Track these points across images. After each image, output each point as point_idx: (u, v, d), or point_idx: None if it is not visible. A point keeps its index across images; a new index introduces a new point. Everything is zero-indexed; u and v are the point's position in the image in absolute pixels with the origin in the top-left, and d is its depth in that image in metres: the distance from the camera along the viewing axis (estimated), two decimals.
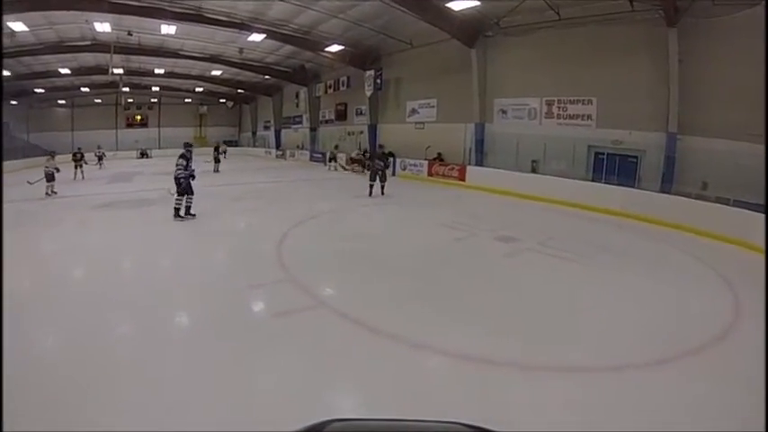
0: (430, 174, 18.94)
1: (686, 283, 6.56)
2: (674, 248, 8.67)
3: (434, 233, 9.44)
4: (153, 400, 3.37)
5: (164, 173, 21.44)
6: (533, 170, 15.42)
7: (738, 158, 10.06)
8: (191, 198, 10.21)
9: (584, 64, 13.81)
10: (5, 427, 2.47)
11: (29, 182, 14.15)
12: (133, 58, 25.30)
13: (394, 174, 19.44)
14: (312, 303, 5.38)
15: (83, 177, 19.36)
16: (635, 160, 13.00)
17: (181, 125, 42.22)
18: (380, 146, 16.11)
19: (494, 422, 0.83)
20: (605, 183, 12.99)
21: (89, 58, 24.87)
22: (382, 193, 13.74)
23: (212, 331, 4.65)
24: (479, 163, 17.48)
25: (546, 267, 7.17)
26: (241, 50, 23.75)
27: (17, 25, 16.14)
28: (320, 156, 27.71)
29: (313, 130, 31.22)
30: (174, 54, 24.72)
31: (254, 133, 43.03)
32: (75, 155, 20.04)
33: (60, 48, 21.74)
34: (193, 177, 10.06)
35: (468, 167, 17.38)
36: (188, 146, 10.48)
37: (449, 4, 13.83)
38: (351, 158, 23.44)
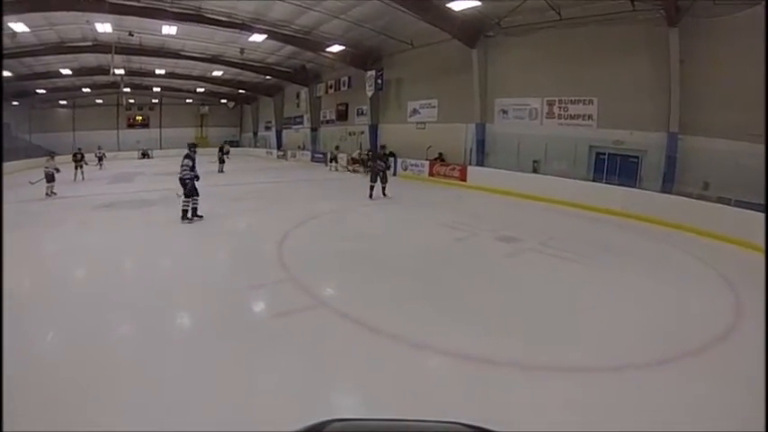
0: (431, 174, 18.93)
1: (687, 283, 6.55)
2: (675, 248, 8.66)
3: (435, 233, 9.43)
4: (153, 400, 3.37)
5: (165, 173, 21.54)
6: (534, 170, 15.41)
7: (739, 158, 10.04)
8: (196, 199, 10.09)
9: (585, 64, 13.80)
10: (5, 427, 2.47)
11: (30, 182, 14.19)
12: (134, 58, 25.34)
13: (395, 174, 19.44)
14: (313, 303, 5.38)
15: (83, 178, 19.34)
16: (636, 160, 12.98)
17: (182, 125, 42.29)
18: (383, 146, 16.07)
19: (494, 422, 0.83)
20: (606, 183, 12.98)
21: (90, 59, 24.90)
22: (384, 195, 13.64)
23: (213, 331, 4.65)
24: (480, 163, 17.47)
25: (547, 267, 7.16)
26: (242, 51, 23.76)
27: (18, 26, 16.17)
28: (321, 156, 27.73)
29: (314, 130, 31.24)
30: (175, 54, 24.75)
31: (255, 134, 43.05)
32: (75, 155, 19.98)
33: (61, 48, 21.76)
34: (197, 178, 9.95)
35: (469, 167, 17.38)
36: (193, 146, 10.42)
37: (449, 5, 13.83)
38: (352, 159, 23.45)
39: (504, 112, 16.81)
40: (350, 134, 26.97)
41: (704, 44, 10.91)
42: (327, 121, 29.90)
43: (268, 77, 31.42)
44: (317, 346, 4.32)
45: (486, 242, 8.75)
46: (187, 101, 41.99)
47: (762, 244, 7.59)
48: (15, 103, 31.10)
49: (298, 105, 33.00)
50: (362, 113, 25.37)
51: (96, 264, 7.14)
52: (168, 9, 16.72)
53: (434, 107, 20.26)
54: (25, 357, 3.84)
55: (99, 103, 37.92)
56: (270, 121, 38.66)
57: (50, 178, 14.12)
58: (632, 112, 12.65)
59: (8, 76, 24.46)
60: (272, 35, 19.64)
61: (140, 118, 41.68)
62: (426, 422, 0.81)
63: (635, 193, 11.86)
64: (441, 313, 5.13)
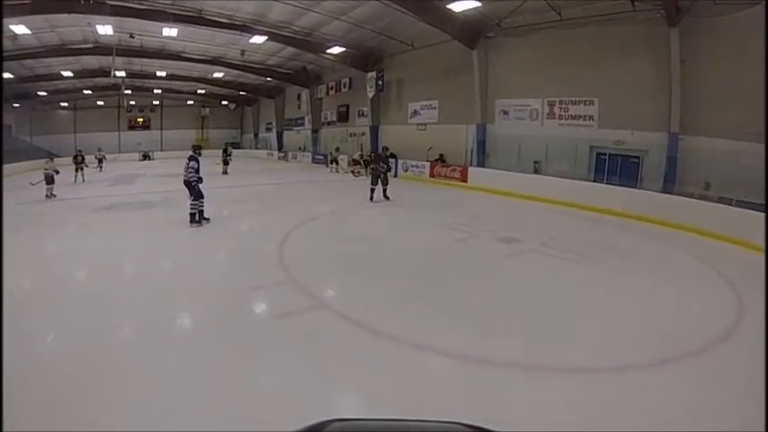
0: (432, 175, 18.94)
1: (688, 283, 6.54)
2: (677, 249, 8.65)
3: (436, 234, 9.42)
4: (154, 401, 3.37)
5: (166, 174, 21.58)
6: (535, 171, 15.41)
7: (740, 158, 10.03)
8: (203, 202, 9.91)
9: (585, 64, 13.80)
10: (5, 427, 2.47)
11: (31, 183, 14.23)
12: (135, 60, 25.43)
13: (396, 175, 19.42)
14: (313, 305, 5.37)
15: (83, 180, 19.32)
16: (637, 160, 12.98)
17: (183, 127, 42.38)
18: (385, 148, 16.03)
19: (495, 423, 0.83)
20: (607, 183, 12.96)
21: (91, 61, 24.97)
22: (385, 197, 13.49)
23: (214, 332, 4.65)
24: (481, 164, 17.48)
25: (548, 268, 7.15)
26: (243, 52, 23.80)
27: (19, 28, 16.23)
28: (322, 157, 27.74)
29: (315, 131, 31.26)
30: (176, 56, 24.79)
31: (256, 135, 43.08)
32: (75, 157, 19.96)
33: (62, 50, 21.81)
34: (201, 180, 9.79)
35: (470, 169, 17.37)
36: (198, 149, 10.23)
37: (450, 6, 13.84)
38: (353, 160, 23.45)
39: (505, 112, 16.82)
40: (351, 135, 26.99)
41: (705, 44, 10.91)
42: (328, 123, 29.92)
43: (269, 79, 31.45)
44: (317, 347, 4.31)
45: (486, 243, 8.74)
46: (188, 102, 42.06)
47: (762, 244, 7.58)
48: (16, 104, 31.19)
49: (299, 107, 33.05)
50: (363, 115, 25.39)
51: (97, 265, 7.15)
52: (169, 11, 16.75)
53: (435, 108, 20.27)
54: (25, 358, 3.84)
55: (100, 105, 38.00)
56: (271, 123, 38.70)
57: (50, 180, 14.12)
58: (633, 113, 12.64)
59: (9, 78, 24.52)
60: (272, 37, 19.67)
61: (141, 120, 41.76)
62: (426, 422, 0.80)
63: (636, 193, 11.84)
64: (441, 314, 5.12)
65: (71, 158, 20.15)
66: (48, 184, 14.09)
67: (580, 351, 4.32)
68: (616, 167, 13.32)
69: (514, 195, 14.59)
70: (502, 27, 15.68)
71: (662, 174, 11.91)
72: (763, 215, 7.93)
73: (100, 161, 25.81)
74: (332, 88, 27.27)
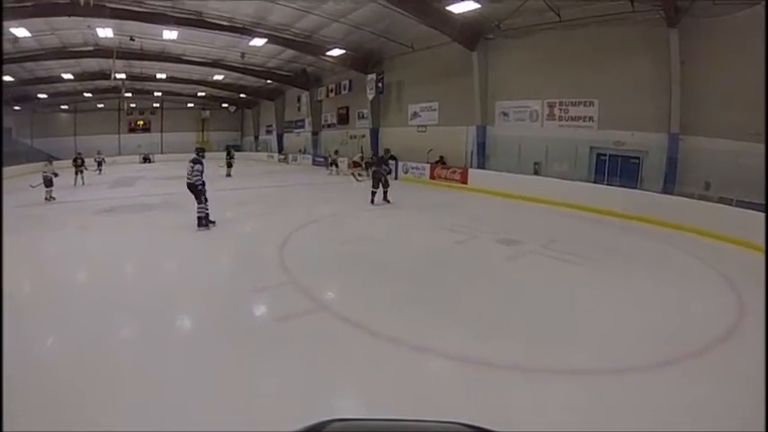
0: (432, 177, 18.94)
1: (689, 284, 6.53)
2: (678, 249, 8.63)
3: (436, 236, 9.42)
4: (154, 402, 3.37)
5: (166, 177, 21.61)
6: (535, 172, 15.40)
7: (741, 158, 10.03)
8: (207, 205, 9.79)
9: (585, 65, 13.81)
10: (5, 427, 2.47)
11: (31, 185, 14.23)
12: (135, 63, 25.45)
13: (396, 177, 19.41)
14: (314, 307, 5.37)
15: (83, 183, 19.23)
16: (637, 161, 12.98)
17: (183, 130, 42.45)
18: (386, 150, 16.03)
19: (495, 424, 0.83)
20: (607, 184, 12.95)
21: (92, 64, 25.02)
22: (385, 200, 13.37)
23: (215, 334, 4.65)
24: (481, 166, 17.48)
25: (548, 270, 7.14)
26: (243, 55, 23.81)
27: (20, 31, 16.26)
28: (322, 160, 27.72)
29: (315, 134, 31.27)
30: (176, 59, 24.82)
31: (256, 137, 43.09)
32: (75, 160, 19.86)
33: (63, 53, 21.86)
34: (203, 184, 9.67)
35: (470, 170, 17.37)
36: (202, 151, 10.11)
37: (449, 8, 13.83)
38: (353, 162, 23.45)
39: (505, 114, 16.82)
40: (351, 138, 27.00)
41: (704, 44, 10.91)
42: (328, 125, 29.93)
43: (269, 81, 31.48)
44: (317, 349, 4.31)
45: (487, 245, 8.73)
46: (188, 105, 42.12)
47: (763, 244, 7.57)
48: (17, 107, 31.22)
49: (299, 109, 33.07)
50: (363, 117, 25.40)
51: (97, 267, 7.16)
52: (169, 14, 16.78)
53: (435, 110, 20.28)
54: (25, 358, 3.85)
55: (100, 108, 38.04)
56: (271, 125, 38.73)
57: (49, 183, 14.11)
58: (633, 113, 12.65)
59: (10, 81, 24.57)
60: (272, 39, 19.70)
61: (141, 122, 41.79)
62: (426, 422, 0.80)
63: (636, 194, 11.84)
64: (441, 316, 5.11)
65: (71, 161, 20.10)
66: (47, 186, 14.09)
67: (581, 353, 4.32)
68: (616, 168, 13.33)
69: (515, 197, 14.59)
70: (501, 29, 15.70)
71: (662, 174, 11.91)
72: (763, 215, 7.92)
73: (99, 164, 25.65)
74: (332, 90, 27.28)
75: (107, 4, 15.32)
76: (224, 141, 41.56)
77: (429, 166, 19.26)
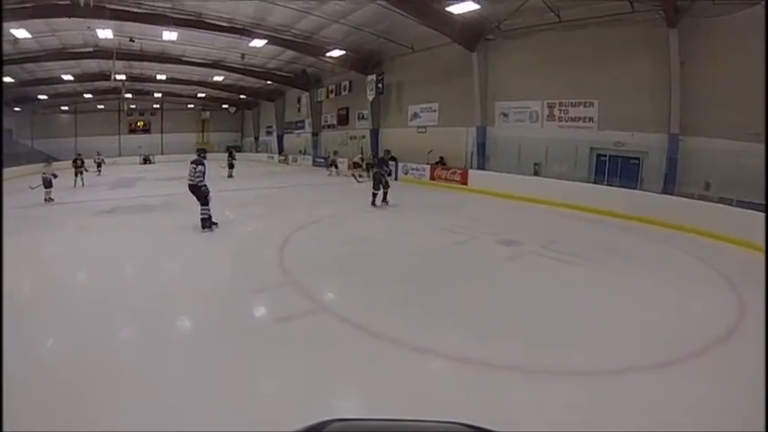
0: (432, 178, 18.95)
1: (689, 284, 6.53)
2: (678, 250, 8.63)
3: (436, 237, 9.42)
4: (154, 402, 3.37)
5: (166, 178, 21.62)
6: (535, 173, 15.41)
7: (741, 158, 10.03)
8: (209, 207, 9.66)
9: (585, 66, 13.81)
10: (5, 427, 2.47)
11: (31, 186, 14.23)
12: (135, 64, 25.46)
13: (396, 178, 19.41)
14: (314, 308, 5.36)
15: (83, 184, 19.09)
16: (637, 162, 12.98)
17: (183, 131, 42.52)
18: (387, 151, 16.01)
19: (495, 424, 0.82)
20: (607, 185, 12.97)
21: (92, 65, 25.03)
22: (384, 201, 13.24)
23: (215, 335, 4.65)
24: (481, 166, 17.48)
25: (548, 270, 7.13)
26: (243, 56, 23.81)
27: (20, 32, 16.26)
28: (322, 160, 27.75)
29: (315, 134, 31.27)
30: (176, 60, 24.84)
31: (256, 138, 43.11)
32: (75, 161, 19.74)
33: (63, 54, 21.87)
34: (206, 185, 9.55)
35: (470, 171, 17.38)
36: (203, 152, 10.03)
37: (449, 8, 13.84)
38: (354, 163, 23.46)
39: (505, 115, 16.82)
40: (351, 138, 27.01)
41: (704, 44, 10.92)
42: (328, 126, 29.94)
43: (269, 82, 31.50)
44: (317, 349, 4.30)
45: (487, 246, 8.73)
46: (188, 106, 42.17)
47: (763, 244, 7.57)
48: (17, 108, 31.24)
49: (299, 110, 33.08)
50: (363, 118, 25.40)
51: (97, 268, 7.15)
52: (169, 15, 16.79)
53: (435, 111, 20.28)
54: (25, 359, 3.85)
55: (100, 109, 38.11)
56: (271, 126, 38.74)
57: (48, 184, 14.10)
58: (633, 114, 12.65)
59: (10, 82, 24.59)
60: (272, 40, 19.72)
61: (142, 123, 41.82)
62: (426, 422, 0.80)
63: (636, 194, 11.85)
64: (441, 317, 5.11)
65: (71, 162, 20.05)
66: (46, 187, 14.08)
67: (581, 353, 4.31)
68: (616, 169, 13.34)
69: (515, 198, 14.59)
70: (501, 29, 15.72)
71: (662, 175, 11.92)
72: (763, 215, 7.92)
73: (99, 165, 25.58)
74: (332, 91, 27.28)
75: (107, 6, 15.34)
76: (224, 142, 41.69)
77: (429, 167, 19.26)
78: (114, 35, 18.28)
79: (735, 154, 10.26)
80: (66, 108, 36.90)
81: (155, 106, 41.45)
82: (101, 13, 15.44)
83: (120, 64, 23.45)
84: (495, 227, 10.25)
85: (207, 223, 9.56)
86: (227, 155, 24.81)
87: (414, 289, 6.13)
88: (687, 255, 8.24)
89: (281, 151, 36.41)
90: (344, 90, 25.82)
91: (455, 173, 17.88)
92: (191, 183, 9.44)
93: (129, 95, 32.65)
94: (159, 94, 37.48)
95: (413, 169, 20.11)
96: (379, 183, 13.12)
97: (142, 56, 23.41)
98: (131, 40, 20.00)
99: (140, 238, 9.23)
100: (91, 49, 21.66)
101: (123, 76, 26.63)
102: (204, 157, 9.76)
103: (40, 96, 31.66)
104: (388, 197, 13.41)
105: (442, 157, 19.37)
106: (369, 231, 10.21)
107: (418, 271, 7.06)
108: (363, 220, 11.64)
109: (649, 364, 3.99)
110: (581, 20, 13.37)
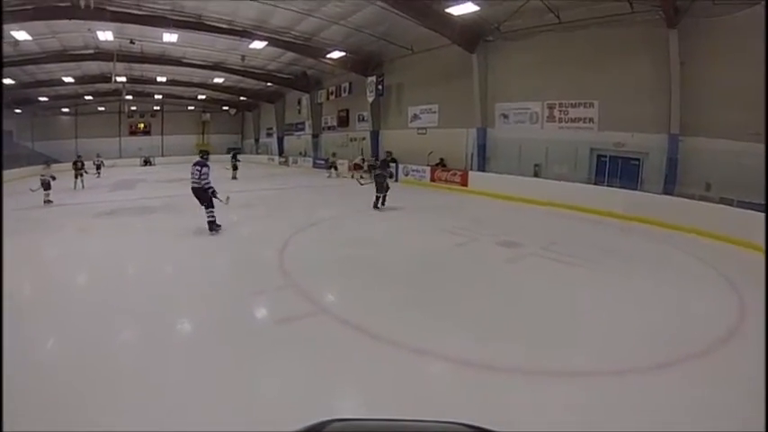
0: (432, 179, 18.95)
1: (690, 284, 6.52)
2: (679, 250, 8.62)
3: (436, 239, 9.41)
4: (154, 403, 3.38)
5: (167, 180, 21.64)
6: (536, 174, 15.40)
7: (741, 158, 10.02)
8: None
9: (585, 67, 13.81)
10: (5, 427, 2.47)
11: (31, 189, 14.22)
12: (136, 66, 25.49)
13: (396, 180, 19.42)
14: (314, 310, 5.35)
15: (83, 186, 18.98)
16: (637, 162, 12.97)
17: (184, 133, 42.56)
18: (388, 153, 16.04)
19: (495, 425, 0.82)
20: (608, 186, 12.97)
21: (92, 67, 25.06)
22: (383, 204, 12.98)
23: (215, 336, 4.65)
24: (482, 168, 17.48)
25: (548, 272, 7.13)
26: (243, 58, 23.82)
27: (20, 34, 16.31)
28: (323, 162, 27.73)
29: (315, 136, 31.29)
30: (177, 62, 24.88)
31: (256, 140, 43.14)
32: (75, 163, 19.58)
33: (63, 56, 21.93)
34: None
35: (471, 173, 17.38)
36: (206, 154, 9.83)
37: (449, 10, 13.84)
38: (355, 164, 23.46)
39: (505, 116, 16.82)
40: (351, 140, 27.03)
41: (704, 45, 10.92)
42: (329, 128, 29.96)
43: (269, 84, 31.55)
44: (318, 351, 4.30)
45: (487, 247, 8.72)
46: (189, 108, 42.23)
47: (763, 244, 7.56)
48: (18, 110, 31.28)
49: (299, 112, 33.08)
50: (363, 119, 25.42)
51: (97, 269, 7.15)
52: (169, 17, 16.82)
53: (435, 112, 20.28)
54: (26, 359, 3.85)
55: (101, 111, 38.16)
56: (271, 128, 38.76)
57: (47, 186, 14.09)
58: (633, 115, 12.65)
59: (11, 84, 24.62)
60: (272, 42, 19.76)
61: (142, 125, 41.87)
62: (426, 422, 0.80)
63: (637, 195, 11.84)
64: (441, 319, 5.10)
65: (71, 164, 19.96)
66: (45, 190, 14.08)
67: (581, 354, 4.31)
68: (617, 170, 13.33)
69: (515, 199, 14.59)
70: (501, 31, 15.73)
71: (662, 175, 11.91)
72: (763, 215, 7.91)
73: (98, 167, 25.39)
74: (332, 93, 27.31)
75: (107, 8, 15.37)
76: (224, 144, 41.78)
77: (429, 168, 19.26)
78: (115, 37, 18.34)
79: (735, 154, 10.24)
80: (66, 110, 36.94)
81: (155, 108, 41.52)
82: (101, 15, 15.48)
83: (120, 66, 23.46)
84: (495, 228, 10.24)
85: (214, 226, 9.48)
86: (230, 156, 24.89)
87: (414, 291, 6.12)
88: (688, 255, 8.23)
89: (281, 153, 36.42)
90: (344, 92, 25.85)
91: (455, 174, 17.88)
92: (196, 186, 9.32)
93: (129, 97, 32.70)
94: (160, 96, 37.57)
95: (413, 171, 20.13)
96: (382, 185, 12.93)
97: (143, 58, 23.45)
98: (132, 42, 20.05)
99: (141, 240, 9.23)
100: (91, 51, 21.73)
101: (124, 78, 26.65)
102: (207, 159, 9.62)
103: (41, 98, 31.74)
104: (386, 200, 13.13)
105: (442, 159, 19.37)
106: (369, 233, 10.21)
107: (418, 273, 7.05)
108: (363, 222, 11.63)
109: (649, 365, 3.98)
110: (581, 21, 13.37)
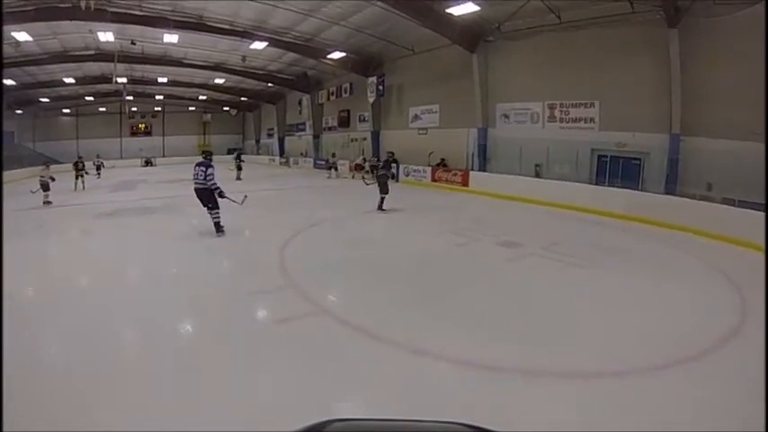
0: (433, 179, 18.95)
1: (691, 285, 6.50)
2: (680, 251, 8.60)
3: (437, 239, 9.39)
4: (154, 403, 3.38)
5: (168, 180, 21.65)
6: (536, 174, 15.38)
7: (743, 158, 9.99)
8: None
9: (585, 67, 13.80)
10: (5, 427, 2.47)
11: (31, 191, 14.23)
12: (137, 66, 25.57)
13: (397, 180, 19.41)
14: (314, 310, 5.34)
15: (84, 188, 18.98)
16: (638, 162, 12.95)
17: (184, 133, 42.66)
18: (390, 153, 16.00)
19: (495, 425, 0.82)
20: (609, 186, 12.94)
21: (93, 68, 25.11)
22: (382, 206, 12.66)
23: (215, 336, 4.66)
24: (482, 168, 17.48)
25: (549, 272, 7.11)
26: (243, 58, 23.85)
27: (21, 35, 16.36)
28: (323, 163, 27.72)
29: (316, 137, 31.30)
30: (178, 63, 24.93)
31: (257, 141, 43.19)
32: (76, 164, 19.54)
33: (64, 57, 21.99)
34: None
35: (472, 173, 17.38)
36: (210, 154, 9.67)
37: (449, 10, 13.85)
38: (357, 165, 23.47)
39: (506, 116, 16.81)
40: (352, 140, 27.04)
41: (705, 44, 10.90)
42: (329, 128, 29.97)
43: (270, 85, 31.59)
44: (318, 351, 4.29)
45: (487, 247, 8.71)
46: (189, 108, 42.31)
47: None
48: (19, 111, 31.33)
49: (300, 112, 33.13)
50: (364, 120, 25.42)
51: (97, 270, 7.16)
52: (170, 17, 16.84)
53: (436, 113, 20.29)
54: (26, 360, 3.85)
55: (102, 112, 38.26)
56: (272, 129, 38.79)
57: (46, 187, 14.09)
58: (634, 115, 12.63)
59: (12, 85, 24.69)
60: (273, 42, 19.78)
61: (143, 126, 41.97)
62: (426, 422, 0.80)
63: (638, 195, 11.82)
64: (442, 319, 5.09)
65: (72, 165, 19.93)
66: (44, 191, 14.08)
67: (582, 355, 4.28)
68: (618, 170, 13.31)
69: (516, 199, 14.58)
70: (501, 31, 15.72)
71: (664, 175, 11.89)
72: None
73: (98, 168, 25.18)
74: (333, 93, 27.33)
75: (108, 8, 15.38)
76: (225, 145, 41.84)
77: (430, 168, 19.26)
78: (115, 38, 18.39)
79: (736, 154, 10.22)
80: (67, 111, 37.03)
81: (156, 109, 41.61)
82: (102, 16, 15.49)
83: (121, 67, 23.51)
84: (496, 228, 10.24)
85: (220, 227, 9.36)
86: (234, 157, 24.95)
87: (414, 291, 6.12)
88: (689, 255, 8.22)
89: (282, 154, 36.44)
90: (345, 92, 25.88)
91: (456, 174, 17.88)
92: (200, 186, 9.14)
93: (130, 98, 32.78)
94: (161, 97, 37.65)
95: (414, 171, 20.13)
96: (385, 185, 12.66)
97: (143, 58, 23.50)
98: (133, 43, 20.10)
99: (141, 240, 9.24)
100: (92, 52, 21.77)
101: (125, 79, 26.73)
102: (210, 160, 9.42)
103: (42, 99, 31.83)
104: (385, 202, 12.74)
105: (443, 159, 19.37)
106: (369, 233, 10.20)
107: (419, 273, 7.05)
108: (363, 222, 11.62)
109: (650, 365, 3.96)
110: (581, 21, 13.36)
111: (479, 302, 5.72)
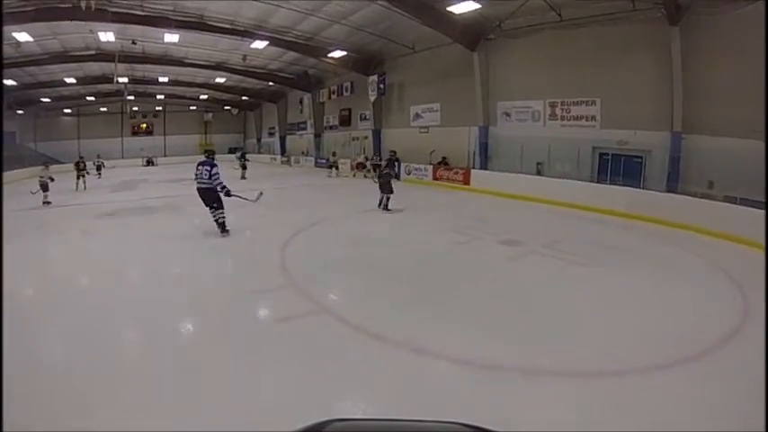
0: (435, 178, 18.94)
1: (693, 283, 6.48)
2: (681, 249, 8.58)
3: (438, 237, 9.39)
4: (155, 403, 3.39)
5: (168, 180, 21.67)
6: (538, 172, 15.38)
7: (744, 156, 9.97)
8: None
9: (586, 65, 13.77)
10: (5, 427, 2.47)
11: (32, 192, 14.24)
12: (138, 66, 25.56)
13: (399, 178, 19.40)
14: (315, 309, 5.36)
15: (85, 188, 18.99)
16: (640, 160, 12.93)
17: (186, 133, 42.65)
18: (392, 152, 15.99)
19: (495, 425, 0.81)
20: (610, 184, 12.92)
21: (94, 68, 25.09)
22: (380, 206, 12.54)
23: (216, 335, 4.67)
24: (484, 166, 17.46)
25: (550, 270, 7.10)
26: (244, 58, 23.82)
27: (22, 36, 16.37)
28: (325, 161, 27.70)
29: (317, 135, 31.27)
30: (179, 62, 24.90)
31: (258, 140, 43.17)
32: (77, 164, 19.56)
33: (65, 57, 21.97)
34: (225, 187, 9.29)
35: (473, 171, 17.36)
36: (212, 154, 9.62)
37: (450, 8, 13.83)
38: (359, 164, 23.47)
39: (507, 114, 16.79)
40: (353, 139, 27.03)
41: (706, 42, 10.87)
42: (331, 127, 29.96)
43: (271, 84, 31.56)
44: (318, 350, 4.30)
45: (489, 246, 8.71)
46: (191, 108, 42.30)
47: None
48: (20, 111, 31.36)
49: (301, 111, 33.12)
50: (365, 118, 25.39)
51: (98, 270, 7.17)
52: (171, 17, 16.83)
53: (437, 111, 20.27)
54: (26, 360, 3.86)
55: (103, 111, 38.25)
56: (273, 128, 38.77)
57: (45, 187, 14.10)
58: (635, 112, 12.61)
59: (13, 85, 24.70)
60: (273, 42, 19.76)
61: (144, 125, 41.95)
62: (426, 422, 0.79)
63: (639, 193, 11.80)
64: (442, 318, 5.09)
65: (73, 165, 19.96)
66: (44, 191, 14.09)
67: (582, 354, 4.28)
68: (619, 168, 13.29)
69: (517, 197, 14.57)
70: (502, 29, 15.70)
71: (665, 173, 11.87)
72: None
73: (98, 168, 25.07)
74: (334, 92, 27.30)
75: (109, 8, 15.38)
76: (227, 144, 41.88)
77: (431, 167, 19.25)
78: (116, 38, 18.37)
79: (738, 152, 10.20)
80: (68, 111, 36.99)
81: (157, 108, 41.57)
82: (102, 16, 15.48)
83: (122, 66, 23.52)
84: (497, 227, 10.23)
85: (225, 227, 9.29)
86: (238, 156, 25.03)
87: (415, 290, 6.12)
88: (690, 254, 8.20)
89: (283, 152, 36.44)
90: (346, 91, 25.86)
91: (457, 173, 17.87)
92: (204, 186, 9.03)
93: (131, 98, 32.77)
94: (162, 96, 37.63)
95: (415, 170, 20.12)
96: (389, 184, 12.49)
97: (144, 58, 23.50)
98: (133, 43, 20.09)
99: (142, 240, 9.24)
100: (93, 52, 21.76)
101: (126, 79, 26.73)
102: (213, 159, 9.33)
103: (43, 99, 31.84)
104: (383, 202, 12.61)
105: (444, 158, 19.35)
106: (370, 232, 10.20)
107: (420, 272, 7.05)
108: (364, 221, 11.62)
109: (650, 365, 3.96)
110: (582, 18, 13.33)
111: (480, 301, 5.72)
